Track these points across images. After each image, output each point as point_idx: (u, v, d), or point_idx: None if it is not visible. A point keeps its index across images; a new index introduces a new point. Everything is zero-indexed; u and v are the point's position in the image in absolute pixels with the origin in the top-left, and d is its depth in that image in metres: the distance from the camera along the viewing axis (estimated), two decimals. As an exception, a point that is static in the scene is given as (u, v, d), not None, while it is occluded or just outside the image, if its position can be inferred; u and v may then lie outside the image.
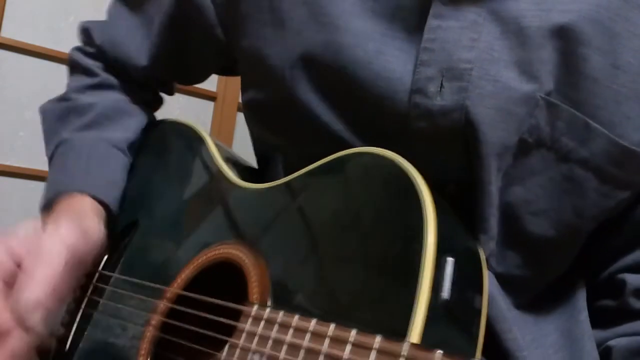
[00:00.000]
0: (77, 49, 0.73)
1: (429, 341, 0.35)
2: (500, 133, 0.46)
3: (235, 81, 2.12)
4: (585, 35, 0.46)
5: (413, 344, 0.34)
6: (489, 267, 0.49)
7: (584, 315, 0.53)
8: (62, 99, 0.70)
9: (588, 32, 0.46)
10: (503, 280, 0.50)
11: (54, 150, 0.66)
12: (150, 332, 0.54)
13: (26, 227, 0.53)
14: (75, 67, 0.72)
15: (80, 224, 0.55)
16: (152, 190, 0.66)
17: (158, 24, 0.65)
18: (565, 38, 0.46)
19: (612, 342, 0.52)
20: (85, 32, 0.71)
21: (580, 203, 0.48)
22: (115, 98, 0.69)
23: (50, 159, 0.66)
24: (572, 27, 0.46)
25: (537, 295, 0.53)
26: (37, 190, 1.78)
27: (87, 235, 0.55)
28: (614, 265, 0.54)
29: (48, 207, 0.60)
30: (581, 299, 0.54)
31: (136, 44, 0.67)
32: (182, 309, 0.52)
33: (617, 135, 0.47)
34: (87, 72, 0.70)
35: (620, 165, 0.47)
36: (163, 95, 0.77)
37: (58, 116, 0.68)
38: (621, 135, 0.47)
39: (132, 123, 0.68)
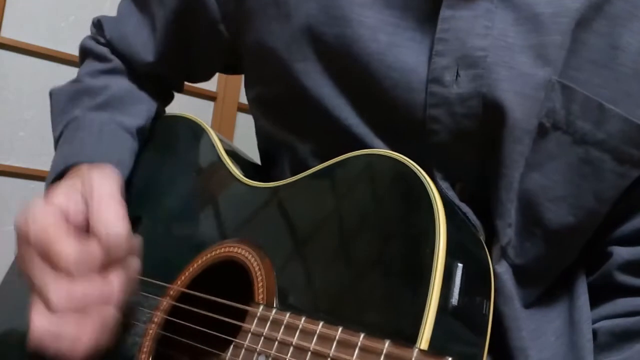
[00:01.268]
0: (90, 37, 0.73)
1: (436, 346, 0.35)
2: (520, 116, 0.46)
3: (235, 81, 2.11)
4: (588, 19, 0.46)
5: (422, 350, 0.34)
6: (507, 259, 0.49)
7: (582, 299, 0.53)
8: (74, 81, 0.70)
9: (590, 16, 0.47)
10: (520, 273, 0.50)
11: (64, 127, 0.65)
12: (153, 330, 0.53)
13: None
14: (87, 54, 0.72)
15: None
16: (156, 186, 0.66)
17: (163, 20, 0.66)
18: (575, 23, 0.46)
19: (595, 326, 0.52)
20: (98, 25, 0.72)
21: (598, 186, 0.48)
22: (127, 83, 0.69)
23: (59, 137, 0.65)
24: (580, 11, 0.46)
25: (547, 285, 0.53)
26: (37, 190, 1.79)
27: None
28: (603, 239, 0.53)
29: (56, 180, 0.58)
30: (581, 282, 0.54)
31: (143, 40, 0.68)
32: (186, 307, 0.52)
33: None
34: (100, 57, 0.70)
35: (637, 145, 0.48)
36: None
37: (69, 97, 0.68)
38: (624, 112, 0.47)
39: (143, 109, 0.68)
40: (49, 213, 0.45)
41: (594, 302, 0.53)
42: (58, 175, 0.59)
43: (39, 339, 0.41)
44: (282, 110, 0.57)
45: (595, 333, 0.52)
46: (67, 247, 0.42)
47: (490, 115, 0.46)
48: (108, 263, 0.44)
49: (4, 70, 1.74)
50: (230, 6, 0.59)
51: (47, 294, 0.42)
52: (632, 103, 0.47)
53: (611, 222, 0.52)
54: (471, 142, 0.48)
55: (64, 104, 0.67)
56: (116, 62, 0.70)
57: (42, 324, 0.41)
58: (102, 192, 0.46)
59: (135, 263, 0.46)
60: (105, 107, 0.66)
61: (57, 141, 0.66)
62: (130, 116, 0.66)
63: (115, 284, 0.43)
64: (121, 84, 0.69)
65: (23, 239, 0.45)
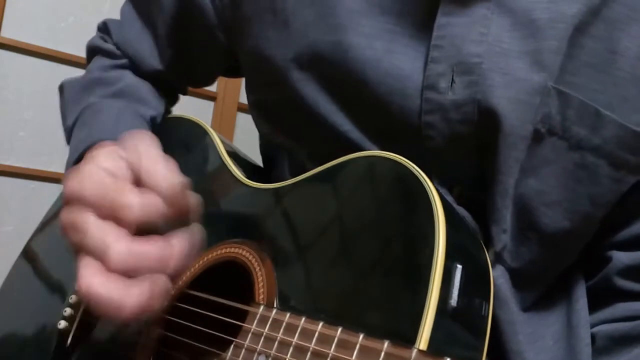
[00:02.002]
0: (97, 37, 0.73)
1: (435, 347, 0.36)
2: (515, 122, 0.46)
3: (235, 81, 2.11)
4: (586, 23, 0.46)
5: (421, 351, 0.34)
6: (503, 263, 0.49)
7: (581, 303, 0.53)
8: (86, 74, 0.69)
9: (588, 20, 0.47)
10: (516, 277, 0.50)
11: (79, 113, 0.63)
12: (154, 330, 0.54)
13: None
14: (95, 52, 0.72)
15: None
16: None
17: (164, 27, 0.66)
18: (572, 28, 0.46)
19: (594, 330, 0.52)
20: (104, 28, 0.72)
21: (594, 191, 0.48)
22: (138, 79, 0.69)
23: (73, 124, 0.64)
24: (578, 17, 0.46)
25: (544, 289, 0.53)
26: (37, 190, 1.79)
27: None
28: (603, 243, 0.54)
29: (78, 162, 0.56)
30: (580, 286, 0.54)
31: (148, 47, 0.68)
32: (187, 307, 0.52)
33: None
34: (110, 54, 0.70)
35: (633, 151, 0.48)
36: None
37: (82, 87, 0.67)
38: (621, 117, 0.47)
39: (155, 101, 0.68)
40: (102, 173, 0.42)
41: (593, 306, 0.53)
42: (80, 155, 0.57)
43: (89, 299, 0.39)
44: (280, 115, 0.58)
45: (593, 337, 0.52)
46: (133, 197, 0.40)
47: (485, 121, 0.47)
48: (171, 224, 0.42)
49: (4, 70, 1.74)
50: (227, 12, 0.59)
51: (107, 251, 0.39)
52: (629, 108, 0.47)
53: (610, 227, 0.52)
54: (467, 148, 0.48)
55: (78, 94, 0.67)
56: (125, 60, 0.69)
57: (93, 283, 0.39)
58: (151, 153, 0.43)
59: (198, 230, 0.44)
60: (120, 95, 0.65)
61: (70, 129, 0.64)
62: (145, 106, 0.66)
63: (176, 248, 0.41)
64: (133, 78, 0.68)
65: (76, 201, 0.42)
